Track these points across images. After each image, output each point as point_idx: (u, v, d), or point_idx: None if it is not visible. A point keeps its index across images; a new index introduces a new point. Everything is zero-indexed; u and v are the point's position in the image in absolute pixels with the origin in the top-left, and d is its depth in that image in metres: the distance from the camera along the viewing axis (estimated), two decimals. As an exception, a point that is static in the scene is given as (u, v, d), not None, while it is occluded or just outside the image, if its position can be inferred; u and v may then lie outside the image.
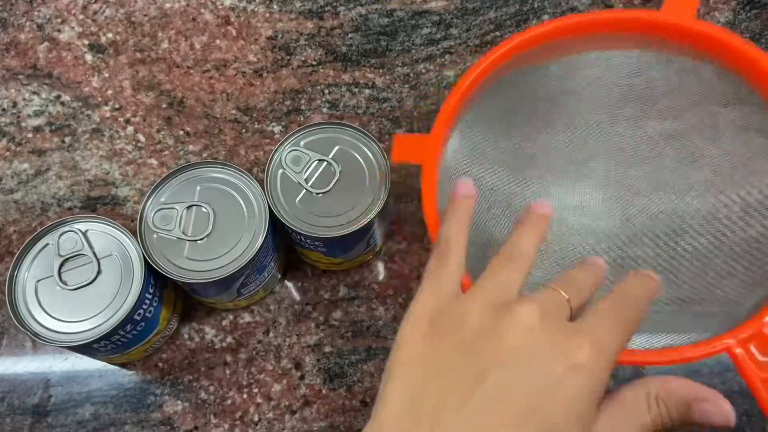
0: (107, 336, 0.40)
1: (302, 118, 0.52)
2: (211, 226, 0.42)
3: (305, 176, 0.43)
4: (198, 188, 0.43)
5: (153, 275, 0.42)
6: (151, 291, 0.41)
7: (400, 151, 0.37)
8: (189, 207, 0.42)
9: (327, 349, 0.47)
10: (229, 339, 0.47)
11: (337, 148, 0.43)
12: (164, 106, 0.53)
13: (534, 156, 0.43)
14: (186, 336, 0.47)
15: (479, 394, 0.24)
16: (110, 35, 0.55)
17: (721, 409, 0.26)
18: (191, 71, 0.54)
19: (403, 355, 0.27)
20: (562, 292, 0.28)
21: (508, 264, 0.29)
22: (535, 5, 0.55)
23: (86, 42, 0.55)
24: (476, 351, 0.25)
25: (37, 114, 0.53)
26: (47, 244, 0.41)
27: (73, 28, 0.55)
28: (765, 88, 0.35)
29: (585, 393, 0.24)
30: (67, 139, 0.52)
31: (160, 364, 0.47)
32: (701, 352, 0.31)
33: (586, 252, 0.42)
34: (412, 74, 0.54)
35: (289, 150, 0.43)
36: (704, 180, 0.39)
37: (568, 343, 0.25)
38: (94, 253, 0.41)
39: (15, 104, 0.53)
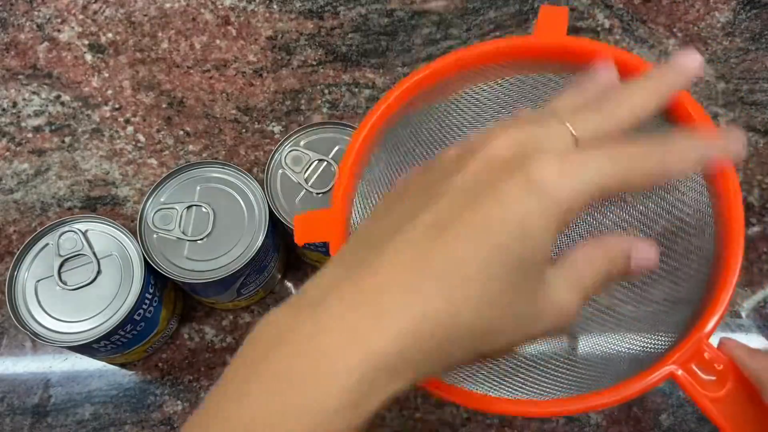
0: (107, 336, 0.40)
1: (302, 118, 0.52)
2: (211, 226, 0.42)
3: (305, 176, 0.43)
4: (198, 188, 0.43)
5: (153, 275, 0.42)
6: (151, 291, 0.41)
7: (304, 232, 0.35)
8: (189, 207, 0.42)
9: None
10: (229, 339, 0.47)
11: (337, 148, 0.43)
12: (164, 106, 0.53)
13: None
14: (186, 336, 0.47)
15: (421, 221, 0.23)
16: (110, 35, 0.55)
17: (649, 251, 0.26)
18: (191, 71, 0.54)
19: (384, 195, 0.27)
20: (569, 125, 0.24)
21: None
22: (535, 5, 0.55)
23: (86, 42, 0.55)
24: (438, 178, 0.24)
25: (37, 114, 0.53)
26: (47, 244, 0.41)
27: (73, 28, 0.55)
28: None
29: (538, 213, 0.23)
30: (67, 139, 0.52)
31: (160, 364, 0.47)
32: (645, 384, 0.30)
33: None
34: (412, 74, 0.54)
35: (289, 150, 0.43)
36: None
37: (531, 163, 0.23)
38: (94, 253, 0.41)
39: (15, 104, 0.53)
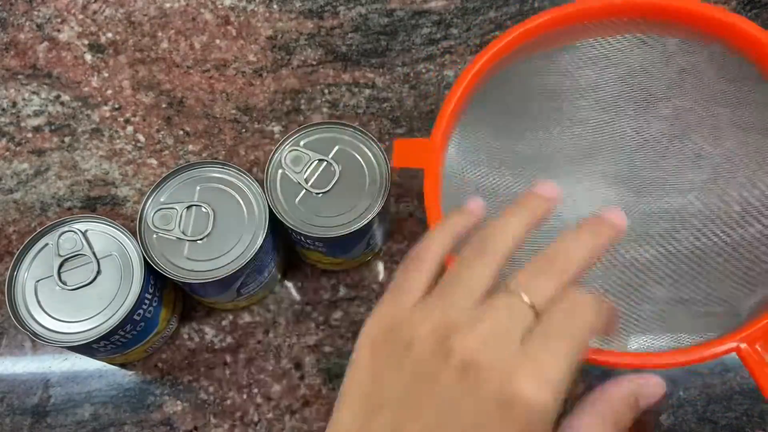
0: (107, 336, 0.40)
1: (302, 118, 0.52)
2: (211, 226, 0.42)
3: (305, 176, 0.42)
4: (198, 188, 0.43)
5: (153, 275, 0.42)
6: (150, 291, 0.41)
7: (401, 156, 0.36)
8: (189, 207, 0.42)
9: (327, 349, 0.47)
10: (228, 339, 0.47)
11: (337, 148, 0.43)
12: (164, 106, 0.53)
13: (534, 154, 0.43)
14: (186, 336, 0.47)
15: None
16: (110, 35, 0.55)
17: (657, 384, 0.26)
18: (191, 71, 0.54)
19: (354, 373, 0.27)
20: (525, 297, 0.26)
21: (475, 262, 0.27)
22: (536, 5, 0.55)
23: (86, 42, 0.55)
24: (413, 388, 0.25)
25: (37, 114, 0.53)
26: (47, 244, 0.41)
27: (72, 27, 0.55)
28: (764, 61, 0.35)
29: (520, 429, 0.23)
30: (67, 139, 0.52)
31: (159, 365, 0.47)
32: (710, 352, 0.31)
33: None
34: (412, 74, 0.54)
35: (289, 150, 0.43)
36: (705, 179, 0.39)
37: (505, 375, 0.24)
38: (94, 253, 0.41)
39: (15, 104, 0.53)
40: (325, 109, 0.53)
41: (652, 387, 0.26)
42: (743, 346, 0.31)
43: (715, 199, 0.39)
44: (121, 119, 0.53)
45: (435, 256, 0.28)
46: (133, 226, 0.42)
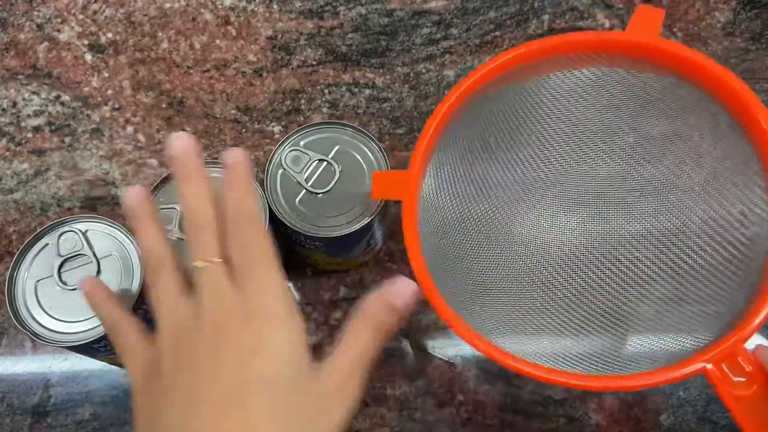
0: (107, 336, 0.40)
1: (302, 118, 0.52)
2: (211, 226, 0.42)
3: (305, 176, 0.42)
4: (198, 188, 0.43)
5: (153, 275, 0.42)
6: (151, 291, 0.41)
7: (380, 188, 0.38)
8: (189, 207, 0.42)
9: (327, 349, 0.47)
10: (229, 339, 0.47)
11: (337, 148, 0.43)
12: (164, 106, 0.53)
13: (511, 180, 0.42)
14: (186, 336, 0.47)
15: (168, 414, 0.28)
16: (110, 35, 0.55)
17: (405, 284, 0.30)
18: (191, 71, 0.54)
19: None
20: (212, 260, 0.29)
21: (158, 279, 0.31)
22: (535, 5, 0.55)
23: (86, 42, 0.55)
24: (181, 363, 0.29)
25: (37, 114, 0.53)
26: (47, 244, 0.41)
27: (72, 27, 0.55)
28: (733, 106, 0.35)
29: (264, 364, 0.28)
30: (67, 139, 0.52)
31: (159, 364, 0.47)
32: (679, 373, 0.32)
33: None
34: (412, 74, 0.54)
35: (289, 150, 0.43)
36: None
37: (227, 338, 0.28)
38: (94, 253, 0.41)
39: (15, 104, 0.53)
40: (325, 109, 0.53)
41: (398, 284, 0.30)
42: (710, 366, 0.31)
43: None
44: (122, 119, 0.53)
45: (167, 261, 0.33)
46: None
